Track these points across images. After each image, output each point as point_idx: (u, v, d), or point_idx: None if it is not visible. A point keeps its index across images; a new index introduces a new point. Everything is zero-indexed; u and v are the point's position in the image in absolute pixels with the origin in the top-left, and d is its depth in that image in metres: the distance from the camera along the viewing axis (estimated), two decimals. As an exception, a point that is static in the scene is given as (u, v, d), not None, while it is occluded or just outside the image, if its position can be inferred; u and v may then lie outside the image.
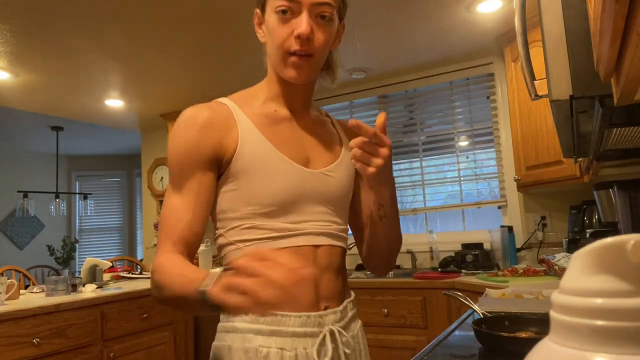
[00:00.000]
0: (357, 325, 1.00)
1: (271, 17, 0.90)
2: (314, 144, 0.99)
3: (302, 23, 0.86)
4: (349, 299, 0.99)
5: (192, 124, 0.90)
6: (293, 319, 0.86)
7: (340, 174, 0.98)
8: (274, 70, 0.96)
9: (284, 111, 0.98)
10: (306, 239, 0.91)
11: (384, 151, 0.83)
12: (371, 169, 0.84)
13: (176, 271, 0.79)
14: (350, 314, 0.97)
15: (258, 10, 0.96)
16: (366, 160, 0.84)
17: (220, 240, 0.94)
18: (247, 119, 0.93)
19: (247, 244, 0.90)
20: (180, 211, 0.88)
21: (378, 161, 0.83)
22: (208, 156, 0.89)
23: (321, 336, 0.87)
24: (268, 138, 0.92)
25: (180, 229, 0.87)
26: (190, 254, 0.88)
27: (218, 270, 0.71)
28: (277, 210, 0.90)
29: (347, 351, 0.90)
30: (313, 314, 0.88)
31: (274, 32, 0.90)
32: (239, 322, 0.88)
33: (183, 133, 0.90)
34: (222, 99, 0.97)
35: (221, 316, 0.93)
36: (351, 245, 3.42)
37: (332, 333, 0.89)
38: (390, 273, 3.16)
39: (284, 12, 0.87)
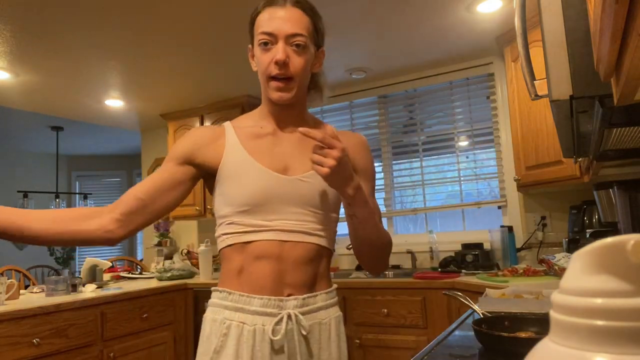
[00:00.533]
0: (331, 314, 1.13)
1: (257, 49, 1.10)
2: (295, 154, 1.14)
3: (279, 51, 1.05)
4: (325, 290, 1.12)
5: (187, 135, 1.16)
6: (256, 300, 1.05)
7: (317, 180, 1.10)
8: (264, 93, 1.15)
9: (270, 127, 1.16)
10: (274, 234, 1.07)
11: (333, 153, 0.95)
12: (324, 170, 0.96)
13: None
14: (321, 303, 1.11)
15: (250, 46, 1.15)
16: (319, 161, 0.96)
17: (215, 234, 1.15)
18: (235, 136, 1.14)
19: (227, 236, 1.10)
20: (141, 182, 1.12)
21: (329, 162, 0.95)
22: (182, 154, 1.13)
23: (279, 317, 1.04)
24: (248, 150, 1.11)
25: (128, 191, 1.10)
26: (122, 211, 1.06)
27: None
28: (251, 210, 1.07)
29: (304, 333, 1.05)
30: (274, 297, 1.05)
31: (259, 61, 1.09)
32: (216, 298, 1.10)
33: (181, 139, 1.16)
34: (226, 122, 1.20)
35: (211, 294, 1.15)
36: (351, 245, 3.41)
37: (290, 316, 1.05)
38: (390, 273, 3.16)
39: (265, 44, 1.06)
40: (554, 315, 0.32)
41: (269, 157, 1.11)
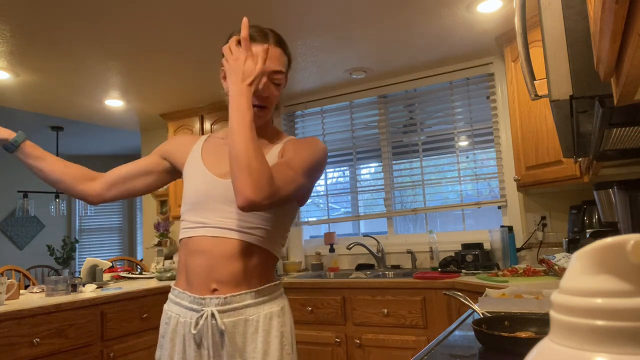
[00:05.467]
0: (261, 311, 1.22)
1: None
2: None
3: (263, 87, 1.20)
4: (254, 289, 1.21)
5: (174, 137, 1.41)
6: (187, 296, 1.22)
7: None
8: None
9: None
10: (208, 230, 1.21)
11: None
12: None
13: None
14: (250, 301, 1.21)
15: (224, 69, 1.25)
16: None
17: None
18: (200, 145, 1.34)
19: (181, 231, 1.28)
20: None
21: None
22: (163, 151, 1.38)
23: (201, 313, 1.18)
24: (204, 158, 1.30)
25: (115, 168, 1.38)
26: (107, 181, 1.34)
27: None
28: (193, 208, 1.24)
29: (222, 328, 1.16)
30: (198, 296, 1.19)
31: None
32: (170, 292, 1.29)
33: (168, 139, 1.43)
34: (204, 135, 1.40)
35: None
36: (351, 245, 3.38)
37: (212, 313, 1.17)
38: (390, 273, 3.16)
39: None
40: (554, 315, 0.32)
41: (217, 163, 1.27)
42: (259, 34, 1.21)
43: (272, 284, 1.26)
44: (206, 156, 1.30)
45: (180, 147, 1.36)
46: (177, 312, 1.23)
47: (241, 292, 1.19)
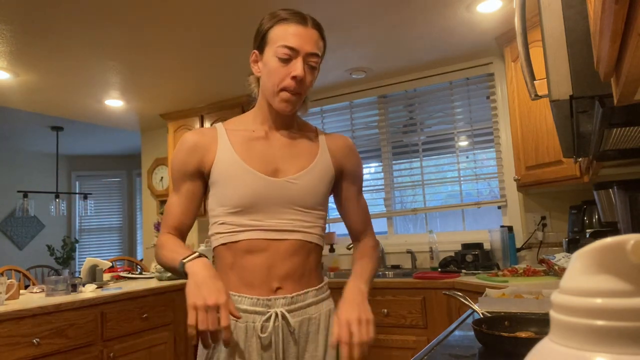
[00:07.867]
0: (322, 309, 1.20)
1: (272, 59, 1.14)
2: (286, 157, 1.21)
3: (298, 67, 1.12)
4: (315, 287, 1.20)
5: (182, 145, 1.21)
6: (246, 299, 1.13)
7: (305, 181, 1.19)
8: (265, 99, 1.21)
9: (262, 131, 1.22)
10: (263, 233, 1.15)
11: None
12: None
13: (170, 247, 1.15)
14: (312, 299, 1.18)
15: (256, 51, 1.19)
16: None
17: (209, 232, 1.24)
18: (227, 140, 1.20)
19: (220, 235, 1.18)
20: (174, 206, 1.22)
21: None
22: (192, 170, 1.20)
23: (267, 315, 1.12)
24: (240, 154, 1.18)
25: (173, 219, 1.21)
26: (181, 236, 1.22)
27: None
28: (242, 210, 1.15)
29: (291, 329, 1.14)
30: (262, 297, 1.13)
31: (274, 71, 1.14)
32: None
33: (177, 153, 1.22)
34: (218, 124, 1.25)
35: None
36: (351, 245, 3.39)
37: (278, 314, 1.12)
38: (390, 273, 3.16)
39: (285, 57, 1.12)
40: (554, 315, 0.32)
41: (260, 160, 1.18)
42: (295, 16, 1.14)
43: (327, 281, 1.28)
44: (243, 154, 1.18)
45: (207, 152, 1.19)
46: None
47: (305, 290, 1.17)
